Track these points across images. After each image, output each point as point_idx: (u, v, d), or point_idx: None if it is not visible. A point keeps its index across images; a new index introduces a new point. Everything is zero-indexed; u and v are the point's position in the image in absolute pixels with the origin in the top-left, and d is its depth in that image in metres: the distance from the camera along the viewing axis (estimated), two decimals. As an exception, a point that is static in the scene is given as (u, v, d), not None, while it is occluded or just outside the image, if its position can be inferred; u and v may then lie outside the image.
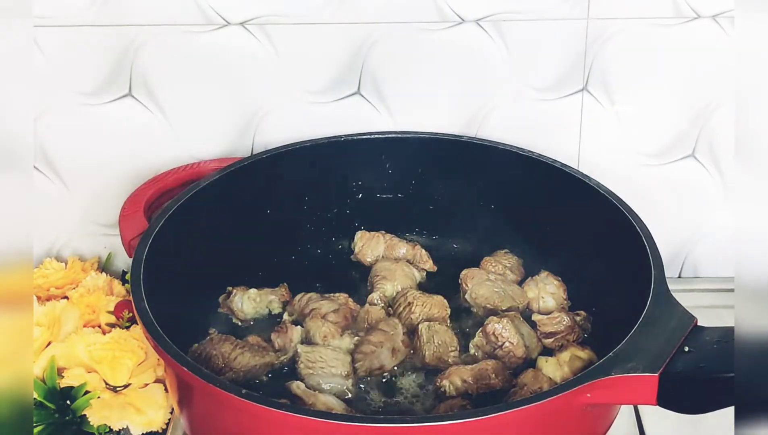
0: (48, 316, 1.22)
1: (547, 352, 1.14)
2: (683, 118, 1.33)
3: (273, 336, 1.16)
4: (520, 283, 1.25)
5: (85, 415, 1.14)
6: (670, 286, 1.04)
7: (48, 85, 1.29)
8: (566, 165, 1.25)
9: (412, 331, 1.17)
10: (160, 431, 1.15)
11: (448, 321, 1.20)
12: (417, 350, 1.15)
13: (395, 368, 1.13)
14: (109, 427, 1.13)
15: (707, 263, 1.42)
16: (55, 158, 1.34)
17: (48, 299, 1.28)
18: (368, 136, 1.31)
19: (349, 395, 1.09)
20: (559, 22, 1.28)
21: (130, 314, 1.24)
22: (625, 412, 1.16)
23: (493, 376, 1.09)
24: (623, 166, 1.36)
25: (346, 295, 1.23)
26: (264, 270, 1.27)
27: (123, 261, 1.39)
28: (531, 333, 1.16)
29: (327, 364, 1.10)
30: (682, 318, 0.99)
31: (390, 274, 1.25)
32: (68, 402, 1.15)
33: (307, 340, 1.16)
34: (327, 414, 0.97)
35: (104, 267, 1.39)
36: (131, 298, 1.04)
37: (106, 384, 1.17)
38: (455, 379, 1.09)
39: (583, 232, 1.21)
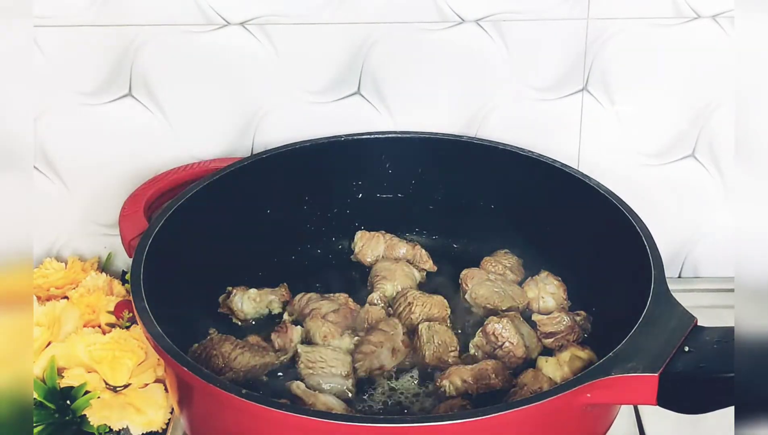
0: (48, 316, 1.22)
1: (547, 352, 1.14)
2: (683, 118, 1.33)
3: (273, 336, 1.16)
4: (520, 283, 1.25)
5: (85, 415, 1.14)
6: (670, 286, 1.04)
7: (48, 85, 1.29)
8: (566, 165, 1.25)
9: (412, 331, 1.17)
10: (160, 431, 1.15)
11: (448, 321, 1.20)
12: (417, 350, 1.15)
13: (395, 368, 1.13)
14: (109, 427, 1.13)
15: (707, 263, 1.42)
16: (55, 158, 1.34)
17: (48, 299, 1.28)
18: (368, 136, 1.31)
19: (349, 395, 1.09)
20: (559, 22, 1.28)
21: (130, 314, 1.24)
22: (625, 412, 1.16)
23: (493, 376, 1.09)
24: (623, 166, 1.36)
25: (346, 295, 1.23)
26: (264, 270, 1.27)
27: (123, 261, 1.39)
28: (531, 333, 1.16)
29: (327, 364, 1.10)
30: (682, 318, 0.99)
31: (390, 274, 1.25)
32: (68, 402, 1.15)
33: (307, 340, 1.16)
34: (327, 414, 0.97)
35: (104, 267, 1.39)
36: (131, 298, 1.04)
37: (106, 384, 1.17)
38: (455, 379, 1.09)
39: (583, 232, 1.21)
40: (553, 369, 1.09)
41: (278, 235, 1.29)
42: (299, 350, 1.12)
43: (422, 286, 1.27)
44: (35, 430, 1.12)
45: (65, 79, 1.29)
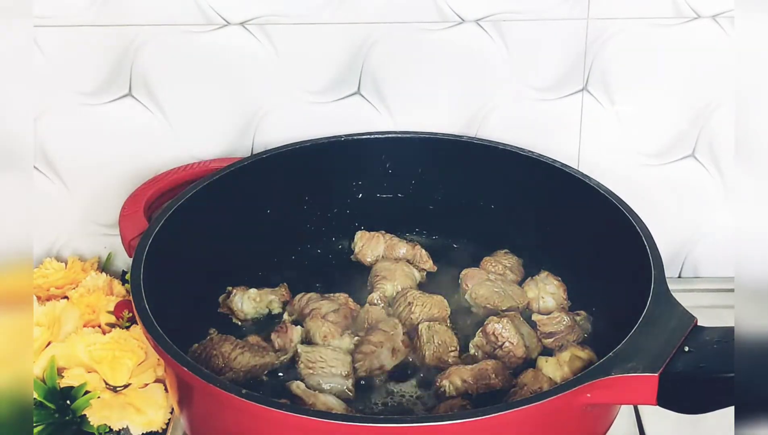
0: (48, 316, 1.22)
1: (547, 352, 1.14)
2: (683, 118, 1.33)
3: (273, 336, 1.16)
4: (520, 283, 1.25)
5: (85, 415, 1.14)
6: (670, 286, 1.04)
7: (48, 85, 1.29)
8: (566, 165, 1.25)
9: (412, 331, 1.17)
10: (160, 431, 1.15)
11: (448, 321, 1.20)
12: (417, 350, 1.15)
13: (395, 368, 1.13)
14: (109, 427, 1.13)
15: (707, 263, 1.42)
16: (55, 158, 1.34)
17: (48, 299, 1.28)
18: (368, 136, 1.31)
19: (349, 395, 1.09)
20: (559, 22, 1.28)
21: (130, 314, 1.24)
22: (625, 412, 1.16)
23: (493, 376, 1.09)
24: (623, 166, 1.36)
25: (346, 295, 1.23)
26: (264, 270, 1.27)
27: (123, 261, 1.39)
28: (531, 333, 1.16)
29: (327, 364, 1.10)
30: (682, 318, 0.99)
31: (390, 274, 1.25)
32: (68, 402, 1.15)
33: (307, 340, 1.16)
34: (327, 414, 0.97)
35: (104, 267, 1.39)
36: (131, 298, 1.04)
37: (106, 384, 1.17)
38: (455, 379, 1.09)
39: (583, 232, 1.21)
40: (553, 369, 1.09)
41: (278, 235, 1.29)
42: (299, 350, 1.12)
43: (422, 286, 1.27)
44: (35, 430, 1.12)
45: (65, 79, 1.29)
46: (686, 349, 0.95)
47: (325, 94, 1.32)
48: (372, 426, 0.90)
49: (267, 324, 1.21)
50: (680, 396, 0.94)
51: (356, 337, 1.16)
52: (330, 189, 1.32)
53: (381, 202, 1.34)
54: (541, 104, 1.32)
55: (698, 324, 0.98)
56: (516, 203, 1.28)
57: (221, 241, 1.22)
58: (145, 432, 1.14)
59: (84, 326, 1.23)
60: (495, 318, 1.14)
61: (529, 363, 1.13)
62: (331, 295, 1.22)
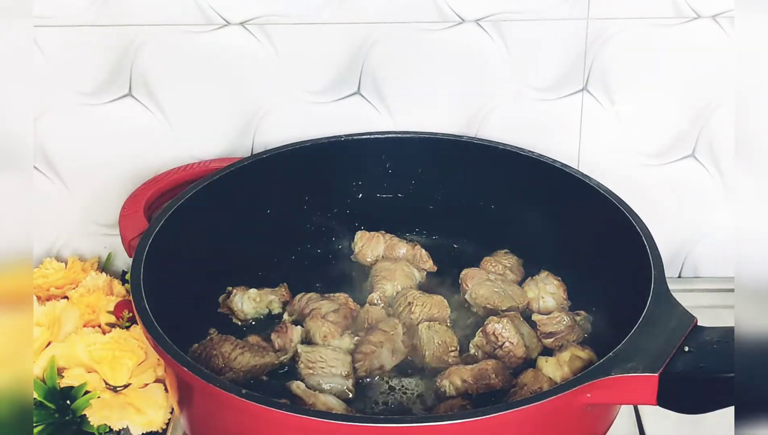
0: (48, 316, 1.22)
1: (547, 352, 1.14)
2: (683, 118, 1.33)
3: (273, 336, 1.16)
4: (520, 283, 1.25)
5: (85, 415, 1.14)
6: (670, 286, 1.04)
7: (48, 85, 1.29)
8: (566, 165, 1.25)
9: (412, 331, 1.17)
10: (160, 431, 1.15)
11: (448, 321, 1.20)
12: (417, 350, 1.15)
13: (395, 368, 1.13)
14: (109, 427, 1.13)
15: (707, 263, 1.42)
16: (55, 158, 1.34)
17: (48, 299, 1.28)
18: (368, 136, 1.31)
19: (349, 395, 1.09)
20: (559, 22, 1.28)
21: (130, 314, 1.24)
22: (625, 412, 1.16)
23: (493, 376, 1.09)
24: (623, 166, 1.36)
25: (346, 295, 1.23)
26: (264, 270, 1.27)
27: (123, 261, 1.39)
28: (531, 333, 1.16)
29: (327, 364, 1.10)
30: (682, 318, 0.99)
31: (390, 274, 1.25)
32: (68, 402, 1.15)
33: (307, 340, 1.16)
34: (327, 414, 0.97)
35: (104, 267, 1.39)
36: (131, 298, 1.04)
37: (106, 384, 1.17)
38: (455, 379, 1.09)
39: (583, 232, 1.21)
40: (553, 369, 1.09)
41: (278, 235, 1.29)
42: (299, 350, 1.12)
43: (422, 286, 1.26)
44: (35, 430, 1.12)
45: (65, 79, 1.29)
46: (686, 349, 0.95)
47: (325, 94, 1.32)
48: (372, 426, 0.90)
49: (267, 324, 1.21)
50: (680, 396, 0.94)
51: (356, 337, 1.15)
52: (330, 189, 1.32)
53: (381, 202, 1.34)
54: (541, 104, 1.32)
55: (698, 324, 0.98)
56: (516, 203, 1.28)
57: (221, 241, 1.22)
58: (145, 432, 1.14)
59: (84, 326, 1.23)
60: (495, 318, 1.14)
61: (529, 363, 1.13)
62: (331, 295, 1.22)
